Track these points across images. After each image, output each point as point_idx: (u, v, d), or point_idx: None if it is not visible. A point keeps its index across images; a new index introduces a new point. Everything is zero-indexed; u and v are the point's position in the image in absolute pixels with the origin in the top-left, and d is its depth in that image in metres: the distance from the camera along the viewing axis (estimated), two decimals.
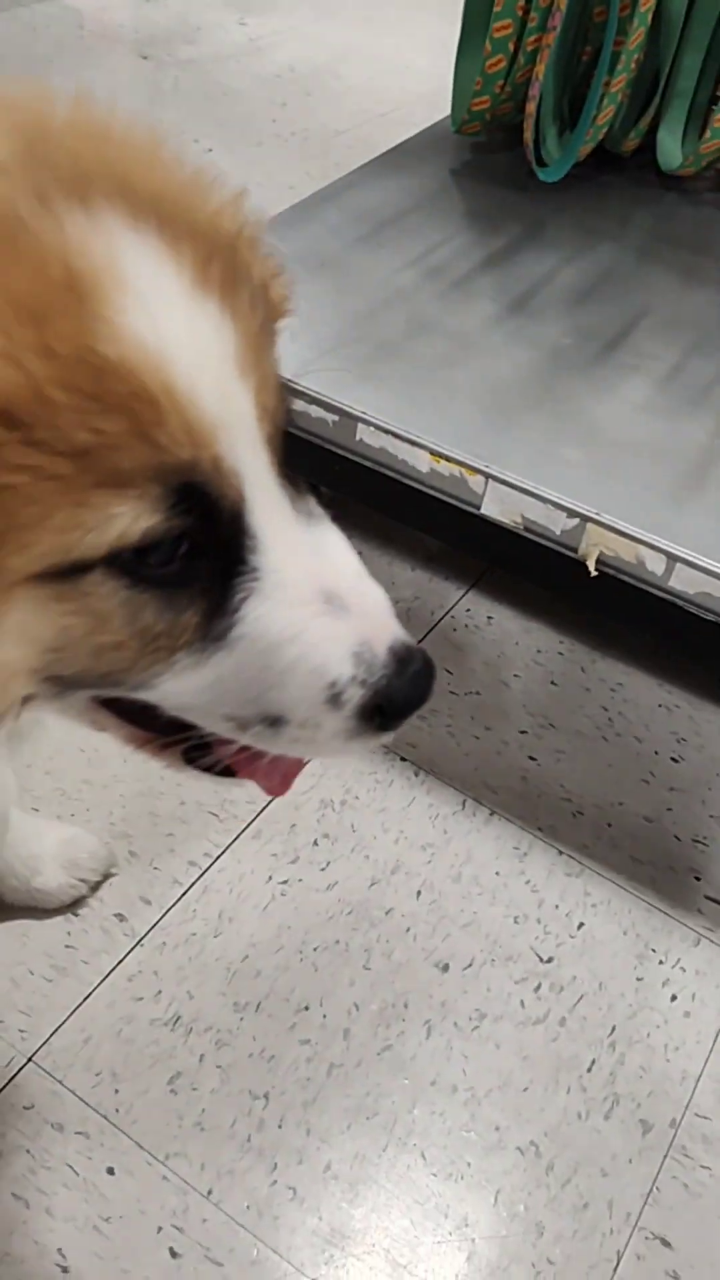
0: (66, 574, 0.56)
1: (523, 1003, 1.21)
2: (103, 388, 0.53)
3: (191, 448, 0.56)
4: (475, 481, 1.27)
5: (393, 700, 0.64)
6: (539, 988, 1.22)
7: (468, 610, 1.62)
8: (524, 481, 1.25)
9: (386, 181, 1.74)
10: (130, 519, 0.55)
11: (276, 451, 0.63)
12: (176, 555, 0.59)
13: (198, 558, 0.60)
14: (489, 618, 1.62)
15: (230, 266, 0.60)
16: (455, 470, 1.28)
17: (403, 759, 1.42)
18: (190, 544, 0.59)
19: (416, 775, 1.41)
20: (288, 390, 0.65)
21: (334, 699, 0.64)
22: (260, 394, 0.60)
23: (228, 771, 0.73)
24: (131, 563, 0.57)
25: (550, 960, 1.25)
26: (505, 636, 1.60)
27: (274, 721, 0.64)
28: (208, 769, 0.72)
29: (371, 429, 1.30)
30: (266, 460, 0.61)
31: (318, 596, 0.63)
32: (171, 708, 0.67)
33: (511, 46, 1.65)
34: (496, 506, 1.27)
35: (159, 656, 0.61)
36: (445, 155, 1.83)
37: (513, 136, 1.81)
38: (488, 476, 1.26)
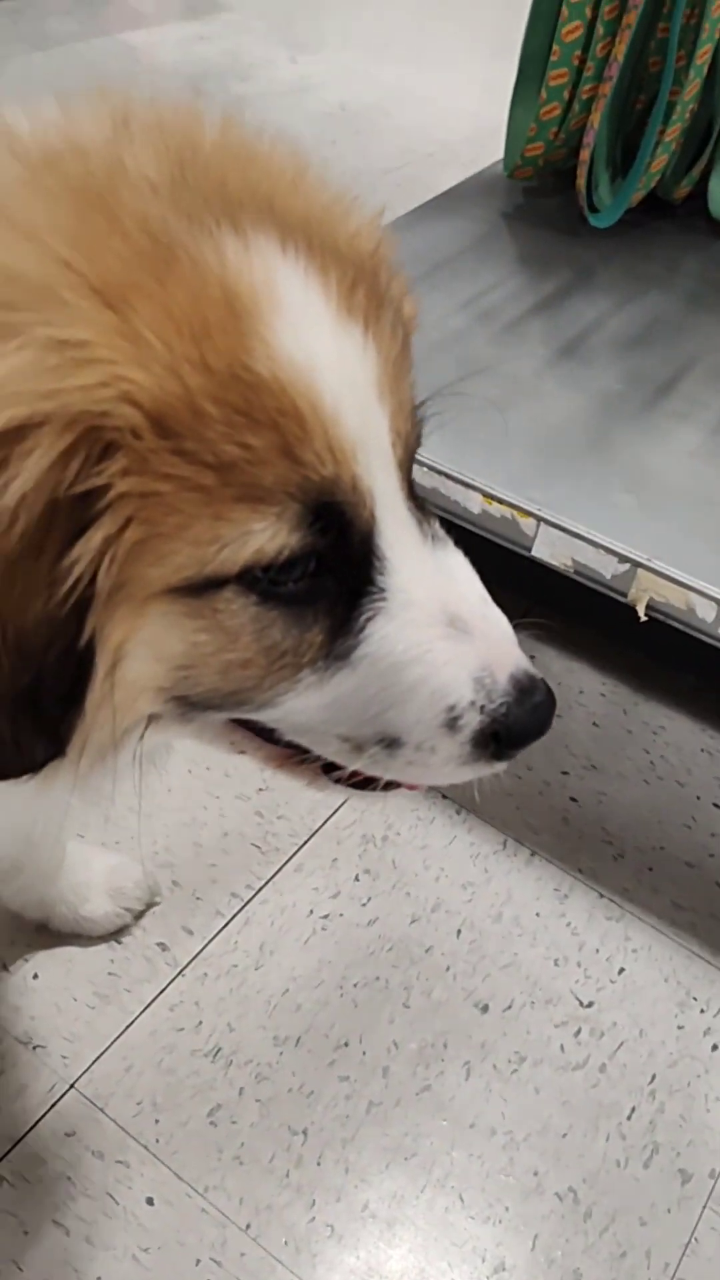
0: (199, 589, 0.58)
1: (563, 1047, 1.21)
2: (253, 403, 0.55)
3: (333, 466, 0.58)
4: (527, 524, 1.28)
5: (510, 729, 0.65)
6: (579, 1032, 1.22)
7: None
8: (576, 525, 1.26)
9: (439, 224, 1.76)
10: (268, 536, 0.56)
11: (406, 475, 0.64)
12: (306, 572, 0.60)
13: (325, 575, 0.61)
14: (531, 657, 1.61)
15: (374, 291, 0.62)
16: (507, 512, 1.29)
17: (444, 796, 1.43)
18: (319, 562, 0.60)
19: (458, 813, 1.41)
20: (419, 416, 0.67)
21: (451, 723, 0.64)
22: (396, 418, 0.62)
23: (364, 784, 0.73)
24: (262, 580, 0.58)
25: (590, 1005, 1.24)
26: (547, 677, 1.58)
27: (390, 744, 0.65)
28: (343, 781, 0.72)
29: (424, 470, 1.32)
30: (398, 483, 0.63)
31: (442, 619, 0.63)
32: (289, 729, 0.67)
33: (567, 95, 1.68)
34: (547, 549, 1.28)
35: (284, 675, 0.62)
36: (497, 199, 1.85)
37: (564, 181, 1.83)
38: (539, 519, 1.27)
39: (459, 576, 0.66)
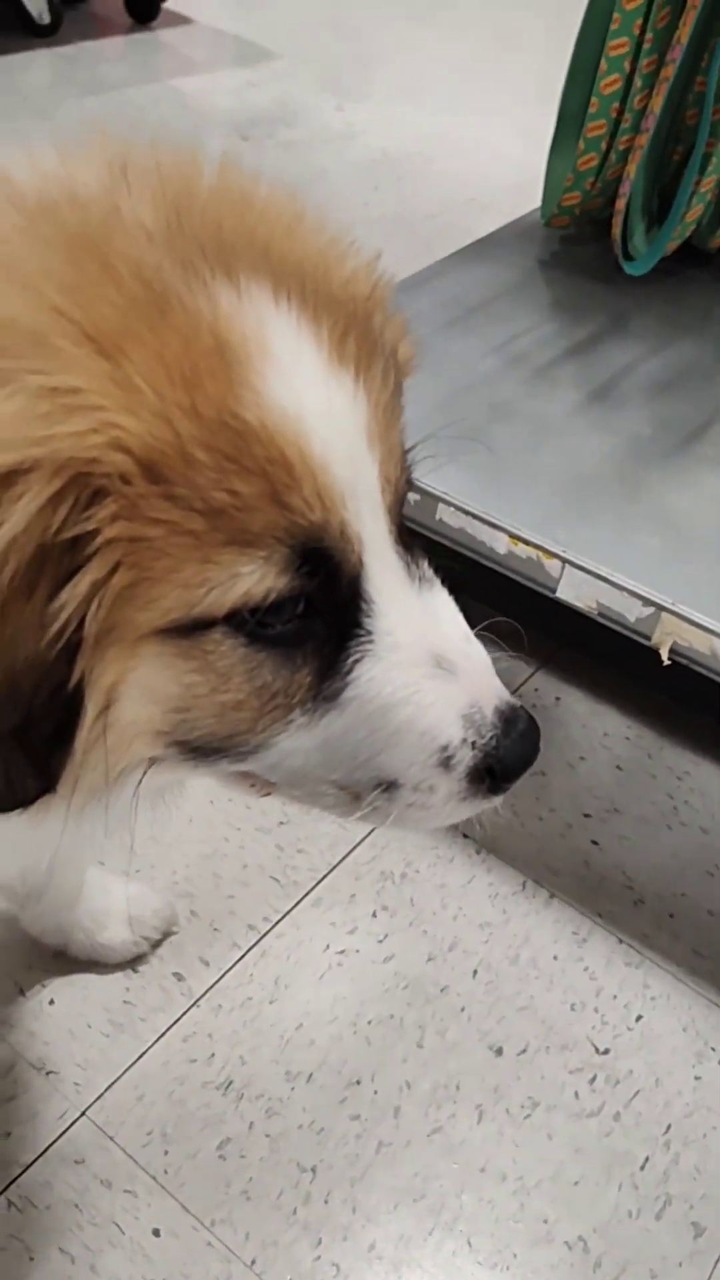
0: (188, 631, 0.59)
1: (577, 1094, 1.20)
2: (242, 450, 0.56)
3: (321, 512, 0.59)
4: (552, 565, 1.29)
5: (503, 761, 0.65)
6: (594, 1079, 1.21)
7: (536, 690, 1.63)
8: (600, 568, 1.26)
9: (476, 269, 1.79)
10: (256, 579, 0.58)
11: (395, 519, 0.65)
12: (294, 614, 0.61)
13: (313, 617, 0.62)
14: (557, 698, 1.63)
15: (366, 338, 0.64)
16: (533, 554, 1.30)
17: (465, 836, 1.43)
18: (307, 604, 0.61)
19: (478, 853, 1.41)
20: (409, 461, 0.68)
21: (445, 761, 0.65)
22: (385, 464, 0.63)
23: None
24: (250, 622, 0.59)
25: (607, 1052, 1.23)
26: (572, 718, 1.60)
27: (388, 787, 0.65)
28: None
29: (452, 509, 1.33)
30: (386, 527, 0.64)
31: (428, 659, 0.64)
32: (284, 779, 0.68)
33: (604, 146, 1.71)
34: (572, 591, 1.29)
35: (276, 715, 0.63)
36: (533, 246, 1.87)
37: (600, 229, 1.85)
38: (565, 561, 1.28)
39: (443, 616, 0.67)
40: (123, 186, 0.63)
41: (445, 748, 0.64)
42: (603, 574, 1.26)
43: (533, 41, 4.00)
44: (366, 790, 0.66)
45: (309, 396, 0.59)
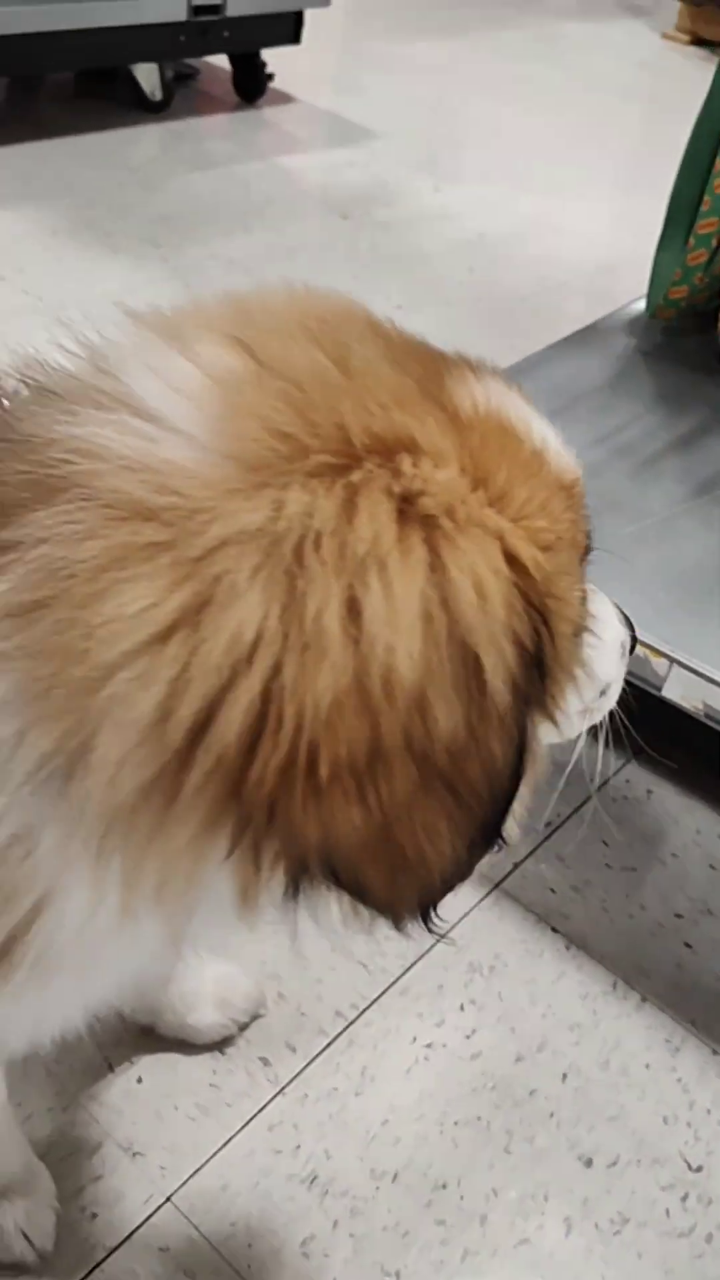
0: None
1: (668, 1211, 1.16)
2: (575, 504, 0.66)
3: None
4: (659, 664, 1.28)
5: (630, 634, 0.85)
6: (686, 1198, 1.17)
7: (627, 781, 1.61)
8: (709, 669, 1.25)
9: (578, 358, 1.80)
10: (584, 591, 0.69)
11: None
12: None
13: None
14: (649, 791, 1.60)
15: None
16: (640, 651, 1.29)
17: (554, 930, 1.41)
18: None
19: (568, 949, 1.39)
20: None
21: (622, 649, 0.83)
22: None
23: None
24: None
25: (699, 1169, 1.19)
26: (664, 813, 1.58)
27: (603, 691, 0.80)
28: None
29: None
30: None
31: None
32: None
33: (715, 242, 1.72)
34: (679, 690, 1.28)
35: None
36: (636, 336, 1.89)
37: (703, 321, 1.87)
38: (672, 661, 1.27)
39: None
40: (353, 338, 0.61)
41: (623, 643, 0.82)
42: (712, 676, 1.25)
43: (626, 127, 4.07)
44: (594, 700, 0.79)
45: (557, 442, 0.66)
